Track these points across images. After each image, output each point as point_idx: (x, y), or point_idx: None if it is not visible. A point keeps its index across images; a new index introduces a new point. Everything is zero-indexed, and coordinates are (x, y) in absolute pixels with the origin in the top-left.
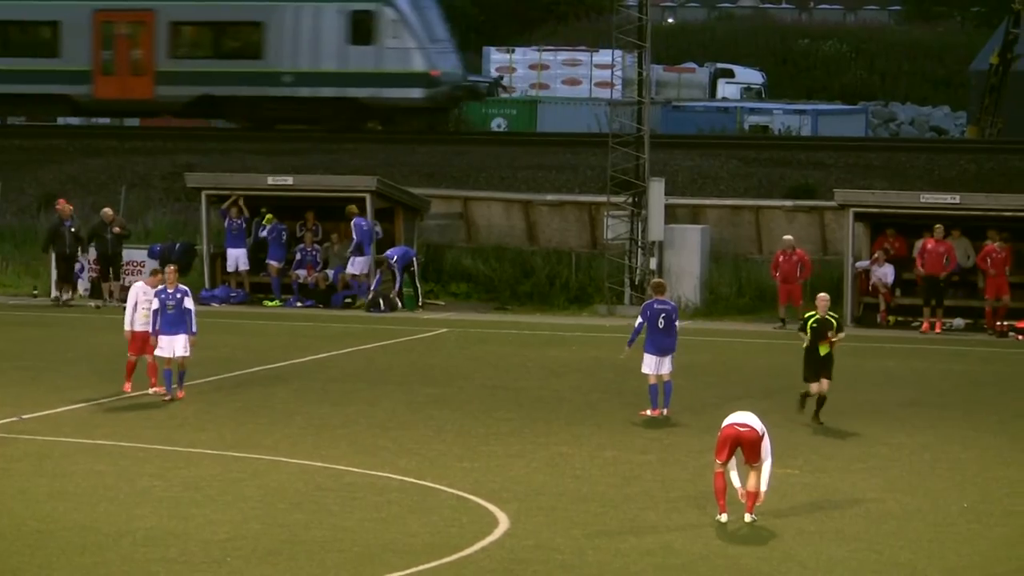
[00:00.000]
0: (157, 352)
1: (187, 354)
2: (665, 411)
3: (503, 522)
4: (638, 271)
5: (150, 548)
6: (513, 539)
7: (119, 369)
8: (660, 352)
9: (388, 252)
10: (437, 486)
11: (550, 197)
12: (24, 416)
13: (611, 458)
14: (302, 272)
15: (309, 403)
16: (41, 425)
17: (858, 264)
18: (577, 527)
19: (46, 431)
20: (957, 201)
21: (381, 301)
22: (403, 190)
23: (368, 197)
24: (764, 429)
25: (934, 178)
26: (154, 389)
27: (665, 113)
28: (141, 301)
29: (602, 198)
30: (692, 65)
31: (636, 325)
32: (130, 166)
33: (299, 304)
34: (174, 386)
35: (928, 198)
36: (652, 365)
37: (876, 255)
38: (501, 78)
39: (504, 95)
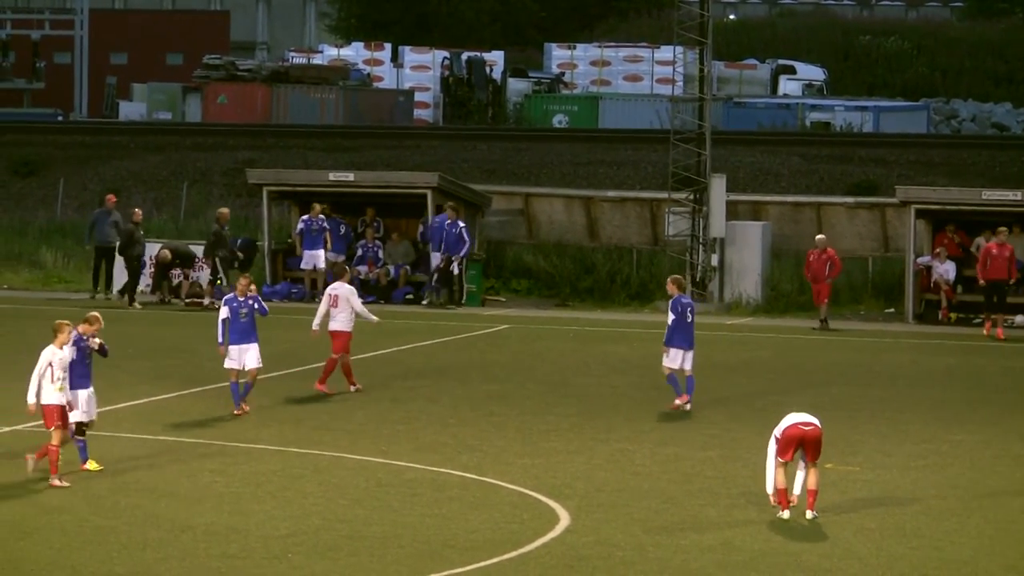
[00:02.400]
0: (227, 364)
1: (259, 365)
2: (687, 405)
3: (564, 518)
4: (699, 267)
5: (211, 543)
6: (573, 535)
7: (179, 365)
8: (685, 345)
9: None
10: (498, 482)
11: (611, 193)
12: None
13: (672, 454)
14: (363, 268)
15: (370, 399)
16: (101, 421)
17: (919, 260)
18: (637, 523)
19: (106, 427)
20: (1019, 198)
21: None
22: (464, 186)
23: (429, 193)
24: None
25: (995, 175)
26: (32, 461)
27: (726, 109)
28: (56, 365)
29: (663, 194)
30: (753, 61)
31: (670, 323)
32: (191, 162)
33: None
34: (243, 405)
35: (990, 195)
36: (678, 359)
37: (937, 251)
38: (562, 74)
39: (566, 91)
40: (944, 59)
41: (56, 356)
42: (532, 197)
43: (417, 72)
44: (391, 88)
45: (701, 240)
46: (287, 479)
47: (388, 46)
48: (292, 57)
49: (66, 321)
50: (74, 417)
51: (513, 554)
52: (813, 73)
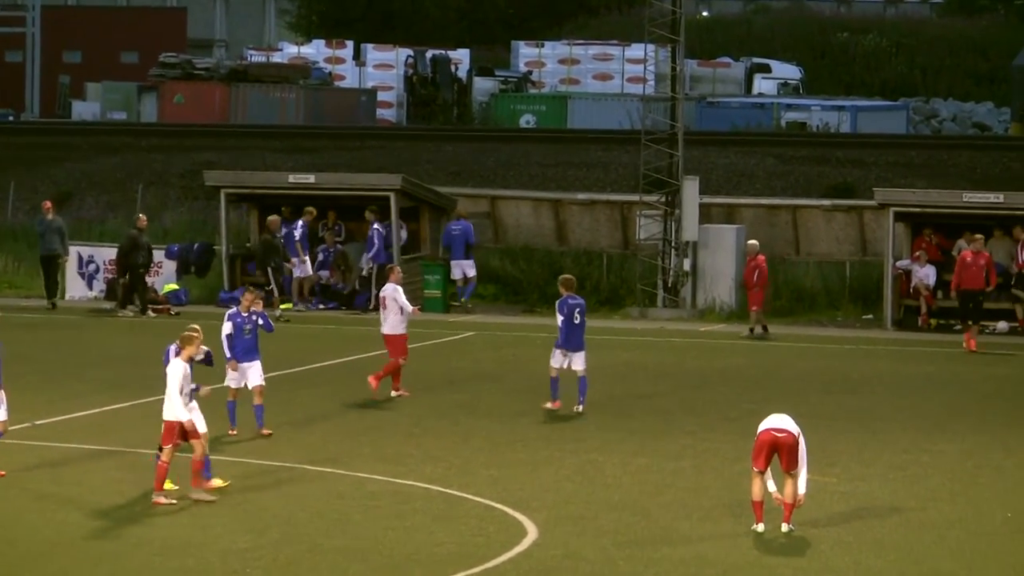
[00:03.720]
0: (228, 381)
1: (263, 382)
2: (580, 407)
3: (531, 532)
4: (671, 272)
5: (168, 558)
6: (541, 549)
7: (134, 374)
8: (572, 348)
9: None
10: (463, 494)
11: (580, 196)
12: (37, 422)
13: (643, 465)
14: (324, 273)
15: (331, 409)
16: (56, 431)
17: (898, 264)
18: (607, 536)
19: (61, 437)
20: (1001, 200)
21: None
22: (429, 189)
23: (392, 196)
24: (799, 431)
25: (977, 176)
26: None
27: (699, 109)
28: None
29: (634, 197)
30: (727, 60)
31: (560, 324)
32: (147, 163)
33: (321, 306)
34: (263, 429)
35: (971, 197)
36: (564, 360)
37: (917, 254)
38: (530, 73)
39: (533, 91)
40: (924, 57)
41: (186, 370)
42: (499, 200)
43: (380, 71)
44: (353, 87)
45: (673, 244)
46: (245, 491)
47: (350, 44)
48: (251, 55)
49: (196, 331)
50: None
51: (479, 569)
52: (789, 72)
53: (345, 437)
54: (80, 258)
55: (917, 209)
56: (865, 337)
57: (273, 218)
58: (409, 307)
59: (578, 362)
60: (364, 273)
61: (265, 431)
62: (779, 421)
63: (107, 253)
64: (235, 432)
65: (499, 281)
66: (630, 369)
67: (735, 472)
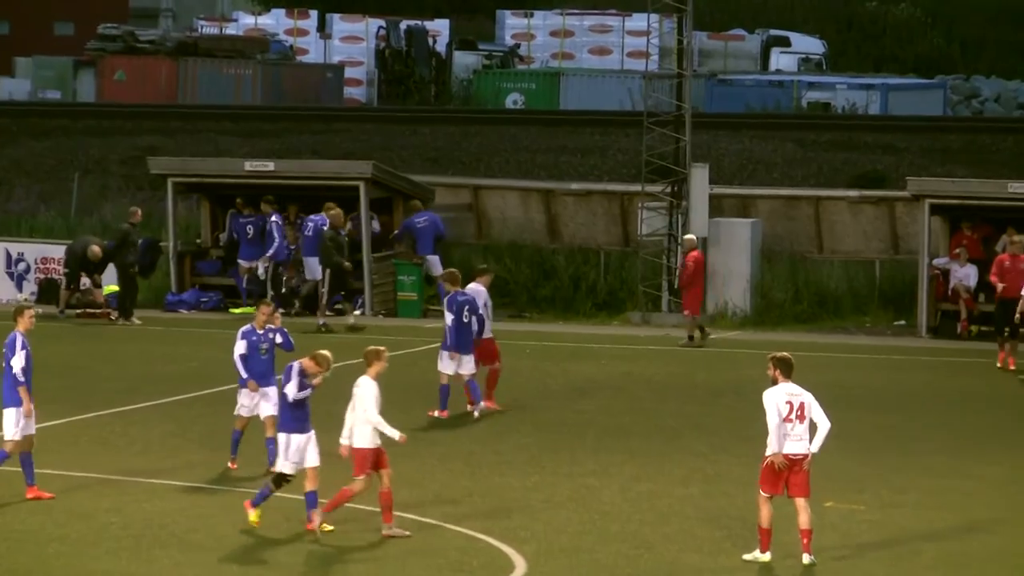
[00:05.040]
0: (238, 409)
1: (276, 412)
2: (476, 412)
3: (519, 566)
4: (677, 272)
5: None
6: None
7: (69, 387)
8: (462, 350)
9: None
10: (442, 524)
11: (575, 186)
12: None
13: (645, 491)
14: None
15: None
16: None
17: (935, 261)
18: (605, 572)
19: None
20: None
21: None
22: (403, 177)
23: (362, 185)
24: (812, 398)
25: (1023, 163)
26: None
27: (709, 87)
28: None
29: (636, 187)
30: (741, 32)
31: (449, 322)
32: (84, 149)
33: (280, 311)
34: (270, 468)
35: (1017, 187)
36: (453, 364)
37: (956, 252)
38: (518, 47)
39: (521, 66)
40: (963, 29)
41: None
42: (482, 190)
43: (348, 44)
44: (317, 63)
45: (680, 241)
46: (195, 519)
47: (314, 14)
48: (202, 27)
49: (383, 347)
50: (280, 467)
51: None
52: (810, 45)
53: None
54: (8, 256)
55: (956, 201)
56: (897, 346)
57: (336, 211)
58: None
59: (467, 365)
60: (260, 274)
61: (273, 468)
62: (795, 442)
63: (39, 250)
64: (235, 466)
65: None
66: (631, 382)
67: (750, 499)
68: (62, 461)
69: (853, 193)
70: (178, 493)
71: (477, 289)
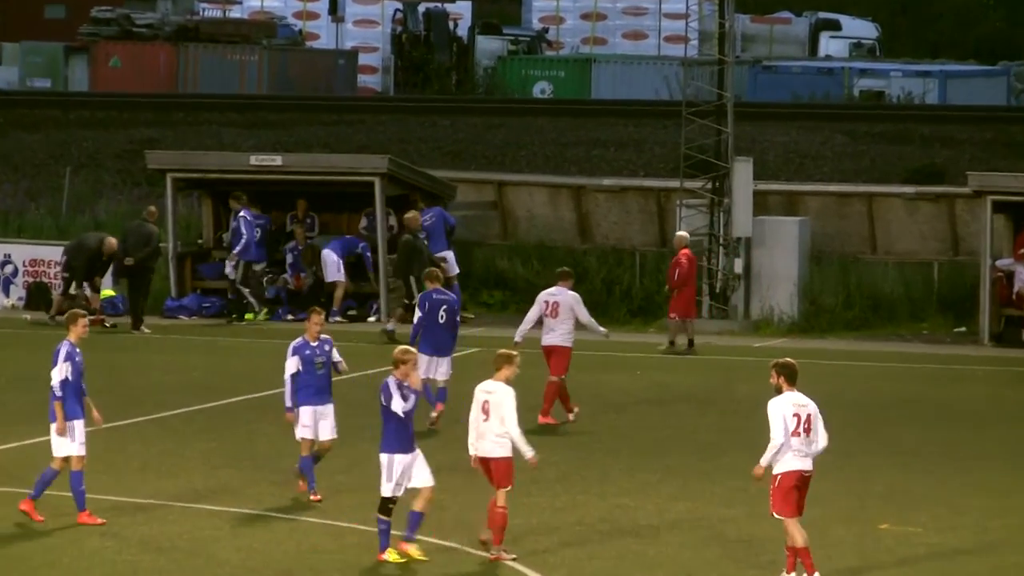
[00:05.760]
0: (300, 432)
1: (335, 436)
2: (434, 413)
3: None
4: (719, 276)
5: None
6: None
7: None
8: (437, 351)
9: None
10: (464, 548)
11: (607, 182)
12: None
13: (685, 512)
14: (291, 277)
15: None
16: None
17: (998, 263)
18: None
19: None
20: None
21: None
22: (421, 172)
23: (377, 181)
24: (816, 409)
25: None
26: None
27: (753, 75)
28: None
29: (674, 183)
30: (787, 15)
31: (416, 320)
32: (76, 142)
33: (289, 317)
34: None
35: None
36: (425, 366)
37: (1021, 252)
38: (546, 31)
39: (550, 52)
40: None
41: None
42: (507, 186)
43: (362, 28)
44: (329, 48)
45: (722, 241)
46: (196, 543)
47: None
48: (203, 9)
49: (515, 351)
50: (385, 491)
51: None
52: (862, 29)
53: (319, 475)
54: None
55: (1020, 198)
56: (957, 355)
57: (413, 214)
58: (601, 329)
59: (443, 370)
60: (227, 272)
61: (315, 496)
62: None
63: (27, 251)
64: (319, 497)
65: (507, 286)
66: (668, 394)
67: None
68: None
69: (909, 189)
70: (177, 515)
71: (564, 292)
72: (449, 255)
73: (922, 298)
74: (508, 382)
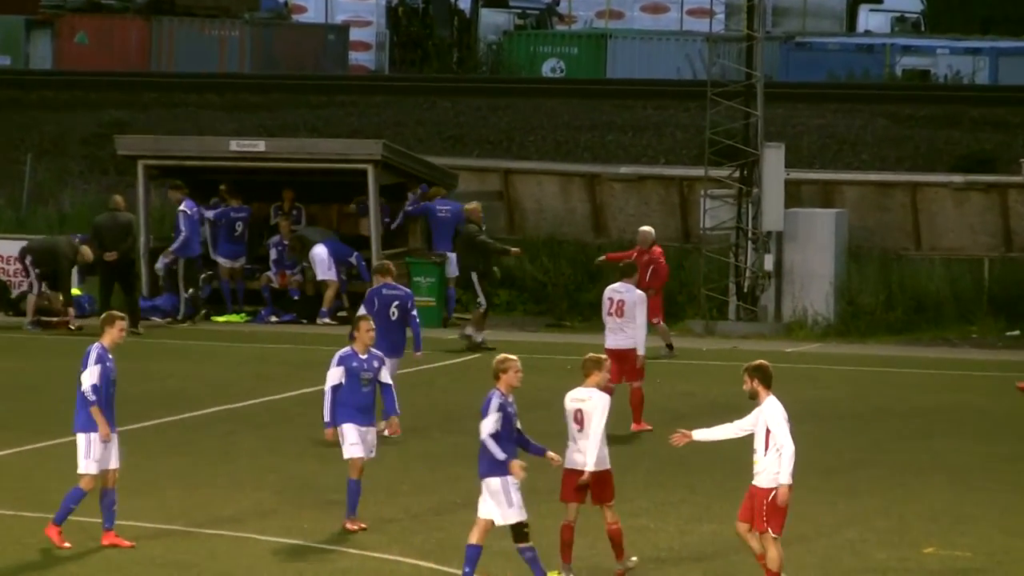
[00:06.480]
0: (349, 451)
1: (372, 455)
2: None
3: None
4: (747, 273)
5: None
6: None
7: (30, 410)
8: (388, 352)
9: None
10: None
11: (624, 170)
12: None
13: (709, 534)
14: (275, 275)
15: (287, 457)
16: None
17: None
18: None
19: None
20: None
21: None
22: (419, 159)
23: (370, 169)
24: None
25: None
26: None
27: (785, 53)
28: None
29: (698, 171)
30: None
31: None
32: (38, 125)
33: (273, 319)
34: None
35: None
36: None
37: None
38: (557, 4)
39: (561, 27)
40: None
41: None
42: (514, 175)
43: (353, 1)
44: (317, 23)
45: (750, 235)
46: (170, 568)
47: None
48: None
49: (604, 356)
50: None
51: None
52: (906, 2)
53: (304, 494)
54: None
55: None
56: (1010, 361)
57: (475, 204)
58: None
59: (388, 369)
60: (158, 268)
61: (357, 524)
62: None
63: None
64: (355, 527)
65: (514, 285)
66: (691, 404)
67: (834, 544)
68: (12, 499)
69: (957, 178)
70: (148, 538)
71: (631, 290)
72: (454, 257)
73: (971, 298)
74: (599, 388)
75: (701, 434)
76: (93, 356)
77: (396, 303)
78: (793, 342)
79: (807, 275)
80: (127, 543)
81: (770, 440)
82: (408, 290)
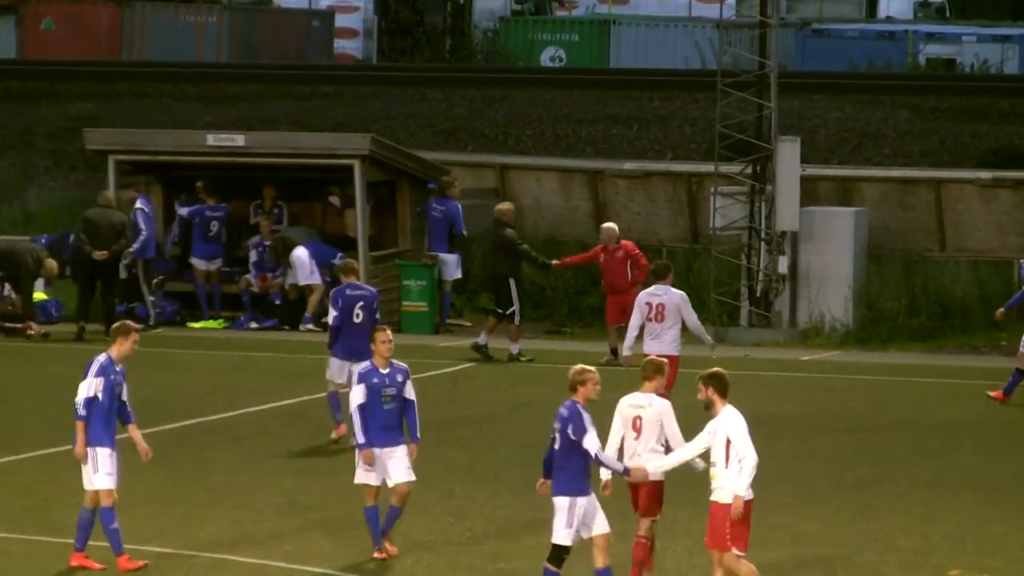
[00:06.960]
0: (361, 476)
1: (413, 478)
2: (334, 434)
3: None
4: (761, 275)
5: None
6: None
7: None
8: (353, 356)
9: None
10: None
11: (629, 165)
12: None
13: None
14: (255, 278)
15: (267, 472)
16: None
17: None
18: None
19: None
20: None
21: None
22: (409, 154)
23: (357, 164)
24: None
25: None
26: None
27: (801, 40)
28: None
29: (708, 167)
30: None
31: (332, 321)
32: (2, 119)
33: (253, 325)
34: (386, 544)
35: None
36: (344, 372)
37: None
38: None
39: (561, 12)
40: None
41: None
42: (511, 170)
43: None
44: (300, 8)
45: (764, 235)
46: None
47: None
48: None
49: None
50: (562, 538)
51: None
52: None
53: (290, 512)
54: None
55: None
56: None
57: (507, 205)
58: (709, 339)
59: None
60: (121, 268)
61: (390, 547)
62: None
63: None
64: (382, 555)
65: None
66: (700, 416)
67: (853, 565)
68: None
69: (985, 174)
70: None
71: (669, 291)
72: (451, 259)
73: (1000, 303)
74: (659, 394)
75: (656, 464)
76: (94, 368)
77: (360, 303)
78: (809, 350)
79: (824, 278)
80: (97, 565)
81: (731, 452)
82: (373, 290)
